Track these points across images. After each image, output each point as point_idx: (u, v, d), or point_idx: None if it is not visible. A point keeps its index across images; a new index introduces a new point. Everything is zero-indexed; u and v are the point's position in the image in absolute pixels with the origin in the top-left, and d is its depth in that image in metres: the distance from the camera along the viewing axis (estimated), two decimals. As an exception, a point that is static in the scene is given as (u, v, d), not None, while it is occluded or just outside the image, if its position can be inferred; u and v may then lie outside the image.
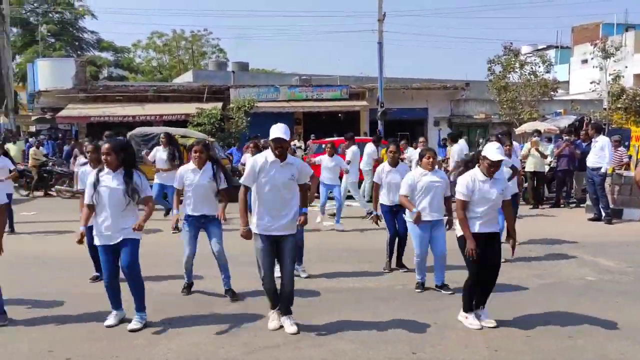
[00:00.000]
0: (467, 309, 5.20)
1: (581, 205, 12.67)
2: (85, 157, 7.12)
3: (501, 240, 5.34)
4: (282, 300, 5.06)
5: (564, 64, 34.98)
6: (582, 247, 8.58)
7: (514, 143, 9.25)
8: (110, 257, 5.05)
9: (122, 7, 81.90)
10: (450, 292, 6.17)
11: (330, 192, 10.46)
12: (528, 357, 4.51)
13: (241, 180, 5.01)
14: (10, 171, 9.48)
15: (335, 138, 16.45)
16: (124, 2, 68.27)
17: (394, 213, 7.22)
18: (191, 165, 6.15)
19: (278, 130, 4.84)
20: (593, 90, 22.26)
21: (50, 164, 16.54)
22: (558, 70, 29.73)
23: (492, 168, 4.99)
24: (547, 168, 13.51)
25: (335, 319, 5.32)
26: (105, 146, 5.02)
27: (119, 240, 4.99)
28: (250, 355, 4.54)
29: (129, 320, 5.14)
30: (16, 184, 15.15)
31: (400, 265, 7.24)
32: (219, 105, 21.66)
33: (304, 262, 7.02)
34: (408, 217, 6.30)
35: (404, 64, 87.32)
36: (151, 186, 6.00)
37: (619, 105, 19.85)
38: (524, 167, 12.23)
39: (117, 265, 5.11)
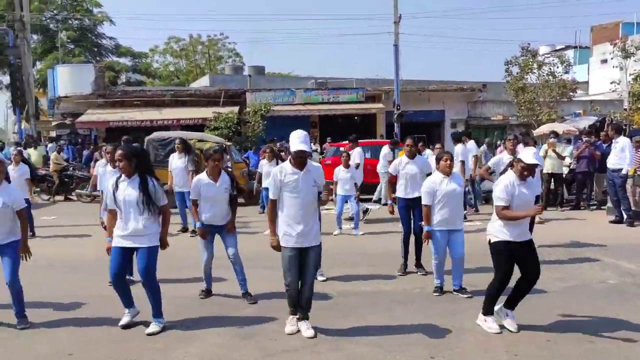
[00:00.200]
0: (488, 312, 5.14)
1: (602, 207, 12.47)
2: (107, 161, 7.21)
3: None
4: (300, 306, 5.06)
5: (583, 64, 34.50)
6: (604, 249, 8.45)
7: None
8: (121, 260, 5.08)
9: (140, 13, 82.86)
10: (468, 296, 6.12)
11: (346, 201, 10.37)
12: (548, 361, 4.45)
13: (270, 195, 5.06)
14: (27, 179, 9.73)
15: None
16: (142, 8, 69.11)
17: (410, 208, 7.17)
18: (205, 177, 6.04)
19: (298, 141, 4.80)
20: (613, 91, 21.96)
21: (71, 168, 16.77)
22: (577, 70, 29.34)
23: (526, 172, 4.91)
24: (566, 170, 13.33)
25: (352, 323, 5.30)
26: (118, 152, 5.07)
27: (136, 245, 5.05)
28: (266, 358, 4.54)
29: (147, 323, 5.19)
30: (38, 189, 15.42)
31: (418, 266, 7.18)
32: (236, 109, 21.78)
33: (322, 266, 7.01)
34: (426, 227, 6.25)
35: (417, 66, 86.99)
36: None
37: (639, 106, 19.55)
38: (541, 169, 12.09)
39: (124, 265, 5.19)
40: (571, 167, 13.32)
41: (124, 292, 5.22)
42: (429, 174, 7.04)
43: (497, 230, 5.01)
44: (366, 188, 13.10)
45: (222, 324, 5.34)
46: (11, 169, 9.74)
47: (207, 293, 6.25)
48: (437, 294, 6.23)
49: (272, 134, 18.92)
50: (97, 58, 36.78)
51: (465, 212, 9.86)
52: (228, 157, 15.22)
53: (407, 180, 7.22)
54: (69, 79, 23.24)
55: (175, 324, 5.31)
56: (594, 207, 12.93)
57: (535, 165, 4.91)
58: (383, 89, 24.24)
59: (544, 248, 8.22)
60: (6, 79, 30.96)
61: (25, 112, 23.26)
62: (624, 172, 10.66)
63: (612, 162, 10.93)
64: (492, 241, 5.06)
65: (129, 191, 4.99)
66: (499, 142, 21.01)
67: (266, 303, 5.98)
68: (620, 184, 10.76)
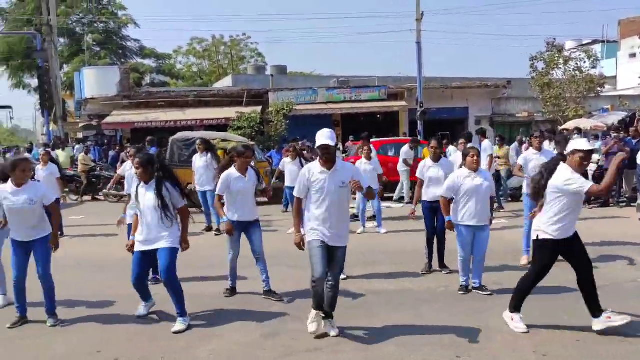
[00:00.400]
0: (516, 308, 5.02)
1: (632, 204, 12.17)
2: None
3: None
4: (325, 305, 5.03)
5: (610, 58, 33.83)
6: (634, 248, 8.23)
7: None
8: (143, 262, 5.28)
9: (163, 15, 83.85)
10: (488, 293, 6.04)
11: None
12: (578, 362, 4.35)
13: (294, 192, 5.03)
14: (57, 177, 9.94)
15: (376, 139, 16.37)
16: (165, 10, 69.86)
17: (434, 210, 7.10)
18: (235, 172, 6.11)
19: (323, 136, 4.78)
20: (642, 85, 21.44)
21: (98, 169, 17.05)
22: (605, 65, 28.80)
23: (585, 160, 4.76)
24: (594, 167, 13.06)
25: (376, 322, 5.26)
26: (135, 161, 5.32)
27: (155, 247, 5.17)
28: (290, 357, 4.53)
29: (161, 314, 5.24)
30: (67, 189, 15.71)
31: (442, 266, 7.12)
32: (259, 108, 21.86)
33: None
34: (447, 217, 6.18)
35: (440, 63, 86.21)
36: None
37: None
38: None
39: (145, 269, 5.43)
40: (599, 163, 13.04)
41: (143, 292, 5.51)
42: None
43: (546, 228, 4.82)
44: (387, 186, 13.06)
45: (246, 322, 5.36)
46: (39, 168, 9.95)
47: (232, 291, 6.27)
48: (462, 292, 6.15)
49: (295, 133, 18.94)
50: (122, 60, 37.35)
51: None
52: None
53: (431, 183, 7.15)
54: (95, 81, 23.62)
55: (199, 322, 5.35)
56: (624, 204, 12.62)
57: (592, 152, 4.77)
58: (406, 86, 24.09)
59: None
60: (35, 82, 31.61)
61: (53, 114, 23.70)
62: (654, 168, 10.40)
63: (642, 158, 10.66)
64: (539, 237, 4.87)
65: (148, 196, 5.15)
66: (524, 139, 20.73)
67: (290, 302, 5.97)
68: (651, 181, 10.49)
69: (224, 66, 45.28)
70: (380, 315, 5.47)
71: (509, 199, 12.97)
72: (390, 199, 13.85)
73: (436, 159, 7.24)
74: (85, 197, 16.38)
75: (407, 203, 13.26)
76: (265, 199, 10.28)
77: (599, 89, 22.03)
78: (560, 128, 18.11)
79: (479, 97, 25.20)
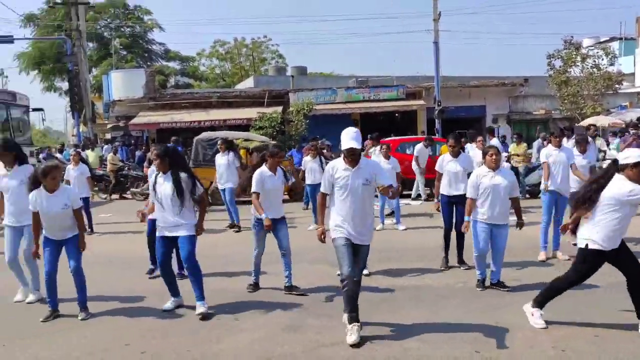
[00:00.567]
0: (540, 305, 4.90)
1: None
2: None
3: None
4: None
5: (628, 55, 33.08)
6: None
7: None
8: (165, 248, 5.54)
9: (187, 18, 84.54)
10: (507, 290, 5.97)
11: None
12: (596, 358, 4.27)
13: (321, 189, 4.95)
14: (88, 177, 10.14)
15: (394, 138, 16.31)
16: (189, 13, 70.38)
17: (453, 205, 7.06)
18: (267, 170, 6.14)
19: (349, 138, 4.66)
20: (661, 82, 20.98)
21: (126, 168, 17.28)
22: (622, 62, 28.19)
23: None
24: (598, 164, 12.82)
25: (397, 318, 5.24)
26: (153, 152, 5.60)
27: (175, 234, 5.42)
28: (313, 352, 4.54)
29: (182, 310, 5.29)
30: (96, 188, 15.96)
31: (460, 262, 7.06)
32: (279, 109, 21.91)
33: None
34: (466, 217, 6.12)
35: (458, 62, 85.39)
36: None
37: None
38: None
39: (169, 255, 5.61)
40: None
41: (170, 280, 5.64)
42: (469, 174, 6.94)
43: (597, 238, 4.61)
44: (405, 183, 13.03)
45: (269, 317, 5.38)
46: (71, 168, 10.15)
47: (255, 286, 6.30)
48: (479, 288, 6.09)
49: (315, 132, 18.95)
50: (148, 63, 37.71)
51: None
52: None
53: (450, 178, 7.12)
54: (122, 84, 23.92)
55: (223, 317, 5.38)
56: None
57: None
58: (423, 85, 23.92)
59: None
60: (65, 85, 32.07)
61: (83, 116, 24.08)
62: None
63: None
64: (589, 247, 4.64)
65: (165, 185, 5.38)
66: (547, 136, 20.44)
67: (311, 297, 5.98)
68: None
69: (245, 68, 45.48)
70: (400, 311, 5.45)
71: (527, 196, 12.81)
72: (408, 196, 13.79)
73: (455, 155, 7.19)
74: (114, 196, 16.62)
75: (424, 200, 13.21)
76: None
77: (616, 86, 21.61)
78: (576, 125, 17.83)
79: (496, 95, 24.92)
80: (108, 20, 37.71)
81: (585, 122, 16.87)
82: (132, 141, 24.35)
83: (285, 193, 10.27)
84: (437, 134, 20.68)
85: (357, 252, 4.82)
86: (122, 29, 37.58)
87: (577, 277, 4.81)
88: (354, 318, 4.67)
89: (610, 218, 4.55)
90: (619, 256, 4.71)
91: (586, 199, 4.65)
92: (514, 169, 12.98)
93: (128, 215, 12.31)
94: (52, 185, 5.28)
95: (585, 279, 4.84)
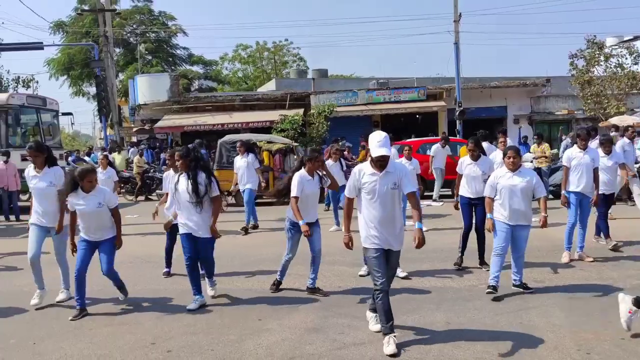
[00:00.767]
0: None
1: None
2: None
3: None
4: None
5: (653, 54, 32.31)
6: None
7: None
8: (188, 243, 5.74)
9: (210, 23, 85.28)
10: (530, 291, 5.87)
11: None
12: (623, 361, 4.18)
13: (345, 192, 4.77)
14: (115, 181, 10.31)
15: (414, 139, 16.21)
16: (212, 18, 70.98)
17: (473, 206, 7.02)
18: (306, 174, 6.04)
19: (379, 145, 4.43)
20: (687, 81, 20.44)
21: (152, 170, 17.49)
22: (647, 61, 27.49)
23: None
24: (637, 166, 12.53)
25: (419, 319, 5.20)
26: (176, 153, 5.95)
27: (196, 235, 5.68)
28: (338, 351, 4.52)
29: (221, 314, 5.29)
30: (123, 190, 16.20)
31: (482, 263, 6.99)
32: (301, 111, 21.97)
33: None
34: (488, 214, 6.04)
35: (478, 63, 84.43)
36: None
37: None
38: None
39: (193, 249, 5.75)
40: (642, 160, 12.50)
41: (196, 275, 5.79)
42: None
43: None
44: (426, 185, 13.01)
45: (292, 317, 5.38)
46: (99, 171, 10.30)
47: (278, 285, 6.29)
48: (489, 292, 5.82)
49: (335, 134, 18.95)
50: (172, 67, 38.17)
51: None
52: (295, 157, 15.42)
53: (469, 180, 7.07)
54: (147, 88, 24.24)
55: (246, 317, 5.41)
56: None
57: None
58: (444, 87, 23.74)
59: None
60: (93, 90, 32.64)
61: (109, 120, 24.45)
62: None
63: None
64: None
65: (184, 184, 5.66)
66: (563, 137, 20.09)
67: (333, 298, 5.97)
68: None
69: (267, 71, 45.72)
70: (422, 311, 5.40)
71: (551, 196, 12.59)
72: (430, 197, 13.70)
73: (475, 159, 7.12)
74: (140, 197, 16.84)
75: (434, 201, 13.38)
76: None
77: (641, 85, 21.12)
78: (600, 125, 17.49)
79: (517, 95, 24.60)
80: (134, 26, 38.26)
81: (609, 122, 16.53)
82: (157, 144, 24.63)
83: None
84: (458, 135, 20.50)
85: (388, 259, 4.64)
86: (148, 35, 38.10)
87: None
88: (390, 329, 4.52)
89: None
90: None
91: None
92: (537, 169, 12.84)
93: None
94: (89, 186, 5.54)
95: None
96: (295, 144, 15.98)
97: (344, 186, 10.20)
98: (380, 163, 4.50)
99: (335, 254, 7.34)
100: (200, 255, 5.80)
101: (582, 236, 7.31)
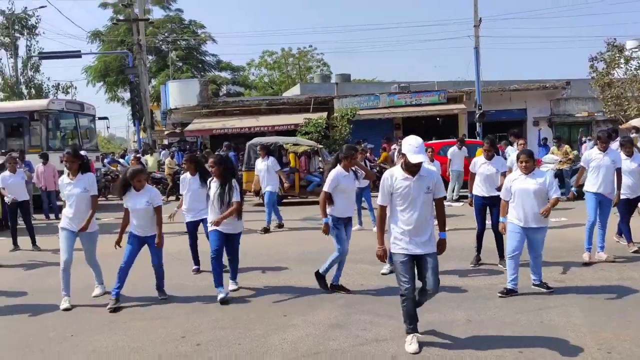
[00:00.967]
0: None
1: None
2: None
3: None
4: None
5: (674, 56, 31.39)
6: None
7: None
8: (219, 241, 5.93)
9: (237, 30, 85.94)
10: (550, 291, 5.74)
11: None
12: (645, 361, 4.06)
13: (378, 201, 4.54)
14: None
15: (435, 141, 16.08)
16: (239, 26, 71.51)
17: (486, 206, 6.95)
18: (343, 170, 6.01)
19: (416, 151, 4.25)
20: None
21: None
22: (668, 63, 26.71)
23: None
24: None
25: (439, 318, 5.15)
26: (210, 160, 6.18)
27: (226, 232, 5.92)
28: (361, 347, 4.50)
29: (247, 311, 5.30)
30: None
31: (502, 261, 6.85)
32: (324, 114, 21.97)
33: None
34: (502, 218, 5.94)
35: (498, 66, 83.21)
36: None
37: None
38: None
39: (221, 245, 5.93)
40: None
41: (219, 271, 5.90)
42: (503, 173, 6.80)
43: None
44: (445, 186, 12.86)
45: (316, 313, 5.38)
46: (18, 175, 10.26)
47: (344, 289, 6.09)
48: (500, 294, 5.69)
49: (358, 136, 18.88)
50: (202, 73, 38.56)
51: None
52: (320, 158, 15.46)
53: (483, 180, 6.98)
54: (178, 93, 24.54)
55: (272, 313, 5.43)
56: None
57: None
58: (464, 90, 23.48)
59: (635, 245, 7.56)
60: (127, 95, 33.26)
61: (142, 123, 24.84)
62: None
63: None
64: None
65: (215, 189, 5.94)
66: (583, 139, 19.67)
67: (355, 295, 5.95)
68: None
69: (292, 76, 45.85)
70: (442, 310, 5.34)
71: (570, 197, 12.34)
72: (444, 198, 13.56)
73: (489, 158, 7.04)
74: (170, 197, 17.05)
75: (455, 200, 13.41)
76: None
77: (662, 87, 20.51)
78: (621, 127, 17.05)
79: (537, 98, 24.18)
80: (166, 34, 38.80)
81: (629, 124, 16.10)
82: (188, 146, 24.90)
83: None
84: (478, 137, 20.24)
85: (425, 263, 4.42)
86: (178, 42, 38.60)
87: None
88: (413, 329, 4.46)
89: None
90: None
91: None
92: (559, 171, 12.64)
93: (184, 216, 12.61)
94: (139, 185, 5.89)
95: None
96: (320, 146, 15.99)
97: (366, 187, 10.18)
98: (414, 168, 4.35)
99: (357, 252, 7.31)
100: (227, 249, 6.05)
101: (601, 236, 7.14)
